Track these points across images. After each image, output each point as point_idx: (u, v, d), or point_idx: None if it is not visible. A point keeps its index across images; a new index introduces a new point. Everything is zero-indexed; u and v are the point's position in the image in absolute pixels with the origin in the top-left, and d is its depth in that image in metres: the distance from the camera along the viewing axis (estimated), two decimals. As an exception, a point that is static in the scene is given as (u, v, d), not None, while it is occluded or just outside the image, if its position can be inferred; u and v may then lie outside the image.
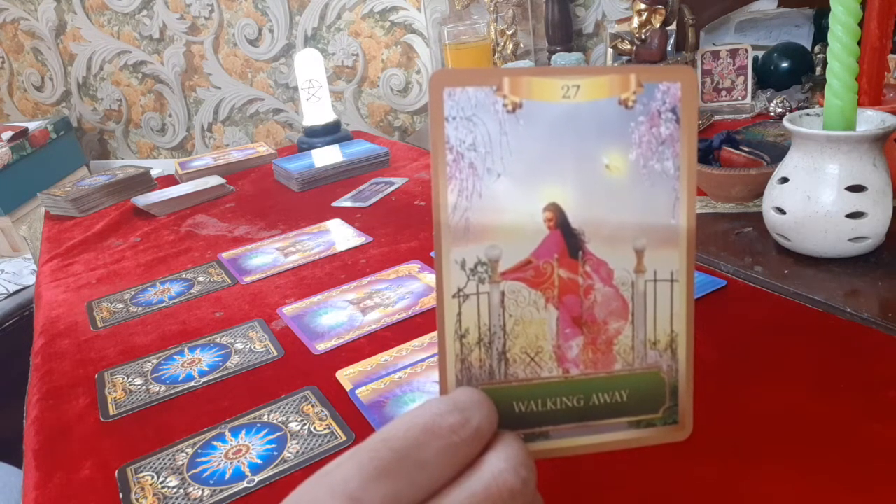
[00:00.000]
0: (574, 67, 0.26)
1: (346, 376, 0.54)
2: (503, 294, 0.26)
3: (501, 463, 0.24)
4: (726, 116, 1.08)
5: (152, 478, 0.46)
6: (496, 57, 1.40)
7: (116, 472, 0.47)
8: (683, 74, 0.26)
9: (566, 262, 0.26)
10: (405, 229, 0.83)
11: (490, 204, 0.25)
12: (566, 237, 0.26)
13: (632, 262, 0.27)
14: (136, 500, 0.44)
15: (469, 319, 0.26)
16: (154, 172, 1.18)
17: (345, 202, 0.96)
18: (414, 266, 0.72)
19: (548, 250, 0.26)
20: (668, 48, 1.11)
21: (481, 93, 0.25)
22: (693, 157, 0.26)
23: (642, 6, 1.05)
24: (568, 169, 0.26)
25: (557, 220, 0.26)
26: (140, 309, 0.71)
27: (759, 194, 0.65)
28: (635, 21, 1.07)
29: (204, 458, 0.47)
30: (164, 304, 0.72)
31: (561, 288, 0.27)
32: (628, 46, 1.09)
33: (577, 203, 0.26)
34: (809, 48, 1.16)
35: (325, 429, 0.48)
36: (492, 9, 1.39)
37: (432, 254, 0.25)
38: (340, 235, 0.84)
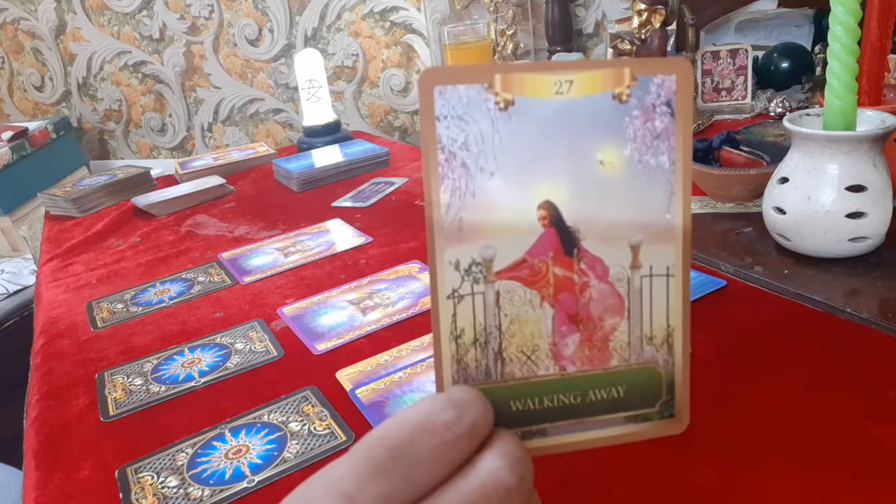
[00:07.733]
0: (566, 62, 0.25)
1: (346, 376, 0.54)
2: (498, 294, 0.26)
3: (497, 460, 0.24)
4: (726, 116, 1.08)
5: (152, 478, 0.46)
6: (496, 57, 1.39)
7: (116, 472, 0.47)
8: (678, 66, 0.25)
9: (561, 259, 0.26)
10: (405, 229, 0.83)
11: (483, 203, 0.25)
12: (561, 235, 0.26)
13: (627, 257, 0.26)
14: (136, 500, 0.44)
15: (464, 320, 0.26)
16: (154, 172, 1.19)
17: (345, 202, 0.96)
18: (414, 266, 0.72)
19: (542, 248, 0.26)
20: (668, 48, 1.10)
21: (472, 91, 0.24)
22: (688, 151, 0.26)
23: (642, 6, 1.04)
24: (562, 166, 0.25)
25: (552, 217, 0.26)
26: (140, 309, 0.71)
27: (759, 194, 0.65)
28: (635, 21, 1.06)
29: (204, 459, 0.47)
30: (164, 304, 0.72)
31: (556, 286, 0.26)
32: (628, 46, 1.09)
33: (571, 200, 0.26)
34: (809, 48, 1.16)
35: (325, 429, 0.48)
36: (492, 9, 1.39)
37: (432, 253, 0.25)
38: (340, 235, 0.84)
